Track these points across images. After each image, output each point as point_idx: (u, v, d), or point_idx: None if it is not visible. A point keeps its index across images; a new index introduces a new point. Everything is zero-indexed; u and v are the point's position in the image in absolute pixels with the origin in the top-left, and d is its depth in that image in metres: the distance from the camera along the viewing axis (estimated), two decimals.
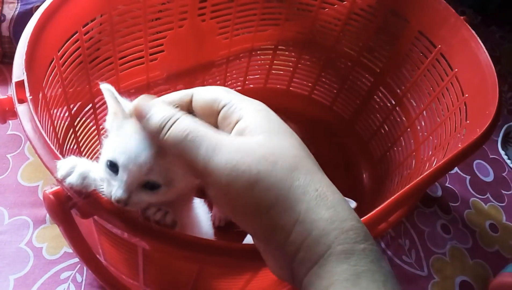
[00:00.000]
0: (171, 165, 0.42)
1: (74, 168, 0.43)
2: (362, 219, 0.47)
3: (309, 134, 1.01)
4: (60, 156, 0.44)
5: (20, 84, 0.49)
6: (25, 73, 0.49)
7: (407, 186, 0.54)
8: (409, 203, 0.60)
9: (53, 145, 0.58)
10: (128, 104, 0.45)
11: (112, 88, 0.44)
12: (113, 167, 0.43)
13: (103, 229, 0.50)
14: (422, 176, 0.56)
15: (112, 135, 0.45)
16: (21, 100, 0.48)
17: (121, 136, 0.43)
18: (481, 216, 1.06)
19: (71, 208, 0.43)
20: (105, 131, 0.47)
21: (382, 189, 0.96)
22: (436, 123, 0.83)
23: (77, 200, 0.42)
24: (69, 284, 0.76)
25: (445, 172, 0.59)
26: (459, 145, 0.67)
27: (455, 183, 1.11)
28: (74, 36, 0.65)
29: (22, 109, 0.47)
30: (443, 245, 0.99)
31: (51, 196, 0.42)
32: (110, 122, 0.46)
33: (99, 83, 0.43)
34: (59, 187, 0.42)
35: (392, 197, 0.52)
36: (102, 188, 0.44)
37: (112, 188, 0.42)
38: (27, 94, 0.48)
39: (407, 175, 0.88)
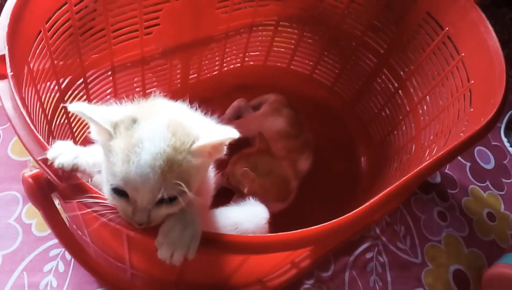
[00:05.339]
0: (181, 174, 0.40)
1: (65, 150, 0.41)
2: (359, 208, 0.46)
3: (308, 114, 1.00)
4: (40, 137, 0.41)
5: (1, 59, 0.46)
6: (6, 47, 0.47)
7: (405, 177, 0.52)
8: (406, 193, 0.58)
9: (41, 122, 0.56)
10: (109, 117, 0.41)
11: (86, 109, 0.39)
12: (120, 193, 0.40)
13: (88, 212, 0.49)
14: (421, 166, 0.54)
15: (105, 156, 0.42)
16: (3, 76, 0.46)
17: (116, 159, 0.39)
18: (479, 204, 1.05)
19: (52, 192, 0.41)
20: None
21: (380, 174, 0.94)
22: (439, 108, 0.80)
23: (58, 184, 0.40)
24: (58, 261, 0.75)
25: (446, 163, 0.58)
26: (461, 135, 0.65)
27: (454, 169, 1.09)
28: (64, 7, 0.62)
29: (2, 86, 0.44)
30: (439, 233, 0.97)
31: (30, 179, 0.40)
32: (95, 133, 0.43)
33: (67, 106, 0.39)
34: (38, 170, 0.41)
35: (389, 188, 0.51)
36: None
37: (128, 213, 0.41)
38: (8, 70, 0.45)
39: (406, 160, 0.86)
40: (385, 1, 0.87)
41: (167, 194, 0.39)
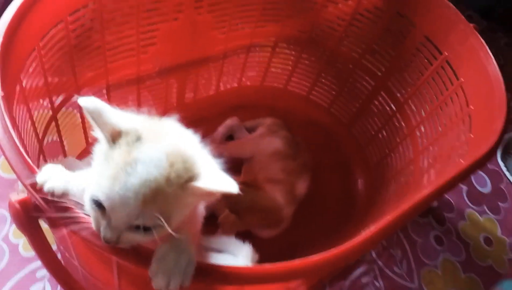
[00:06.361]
0: (164, 207, 0.38)
1: (55, 174, 0.39)
2: (352, 240, 0.44)
3: (304, 135, 0.99)
4: (29, 160, 0.40)
5: None
6: None
7: (402, 209, 0.51)
8: (403, 223, 0.57)
9: (31, 140, 0.55)
10: (114, 123, 0.40)
11: (94, 107, 0.38)
12: (98, 205, 0.38)
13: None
14: (421, 196, 0.53)
15: (96, 164, 0.40)
16: None
17: (106, 171, 0.38)
18: (475, 228, 1.04)
19: (39, 217, 0.40)
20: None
21: (377, 196, 0.93)
22: (437, 132, 0.80)
23: (46, 210, 0.39)
24: (45, 283, 0.72)
25: (447, 191, 0.56)
26: (461, 161, 0.64)
27: (451, 193, 1.08)
28: (59, 25, 0.61)
29: None
30: (435, 257, 0.96)
31: (17, 205, 0.38)
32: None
33: (77, 97, 0.38)
34: (26, 195, 0.39)
35: (385, 220, 0.49)
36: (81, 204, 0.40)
37: (100, 227, 0.39)
38: None
39: (404, 183, 0.85)
40: (384, 25, 0.87)
41: (143, 223, 0.38)
